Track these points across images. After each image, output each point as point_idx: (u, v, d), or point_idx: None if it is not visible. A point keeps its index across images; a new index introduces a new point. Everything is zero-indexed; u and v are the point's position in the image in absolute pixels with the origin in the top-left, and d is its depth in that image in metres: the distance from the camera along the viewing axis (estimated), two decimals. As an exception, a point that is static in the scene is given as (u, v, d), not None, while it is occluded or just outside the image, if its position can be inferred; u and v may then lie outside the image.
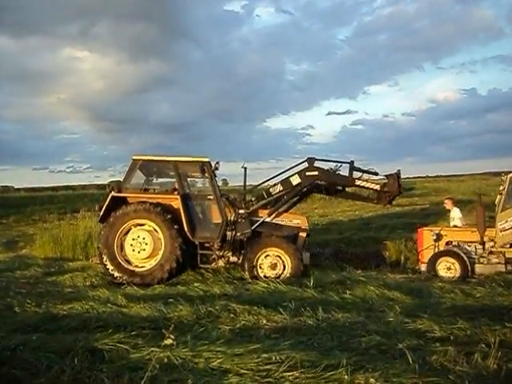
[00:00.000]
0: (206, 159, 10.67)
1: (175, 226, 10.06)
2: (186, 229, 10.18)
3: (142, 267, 10.16)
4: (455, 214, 12.26)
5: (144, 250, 10.10)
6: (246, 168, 10.87)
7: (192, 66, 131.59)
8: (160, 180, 12.26)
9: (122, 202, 10.47)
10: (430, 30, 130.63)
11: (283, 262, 10.16)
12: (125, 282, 9.81)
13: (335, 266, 11.71)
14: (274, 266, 10.15)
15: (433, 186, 37.17)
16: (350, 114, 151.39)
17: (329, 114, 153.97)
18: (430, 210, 21.10)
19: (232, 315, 6.56)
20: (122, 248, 10.20)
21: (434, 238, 10.80)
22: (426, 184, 39.03)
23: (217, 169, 10.79)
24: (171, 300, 7.43)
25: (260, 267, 10.20)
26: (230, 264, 10.75)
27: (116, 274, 10.02)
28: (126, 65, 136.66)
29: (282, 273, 10.12)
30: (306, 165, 10.86)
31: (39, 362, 4.57)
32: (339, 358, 4.52)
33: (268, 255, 10.22)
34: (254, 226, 10.57)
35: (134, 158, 10.77)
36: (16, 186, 57.73)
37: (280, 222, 10.87)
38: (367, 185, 10.98)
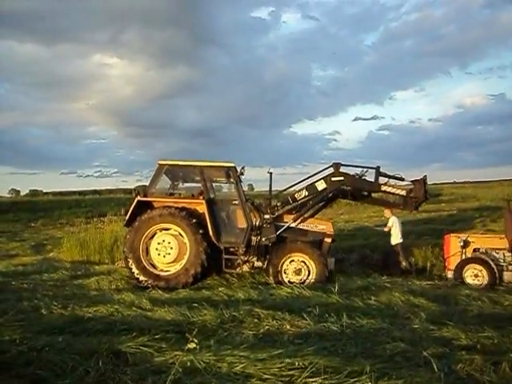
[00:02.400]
0: (232, 164, 10.69)
1: (200, 231, 10.08)
2: (211, 233, 10.20)
3: (167, 271, 10.21)
4: (390, 223, 12.53)
5: (169, 254, 10.14)
6: (271, 173, 10.87)
7: (219, 72, 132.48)
8: (186, 185, 12.30)
9: (148, 206, 10.55)
10: (458, 35, 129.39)
11: (308, 267, 10.12)
12: (150, 285, 9.85)
13: (360, 272, 11.64)
14: (298, 272, 10.11)
15: (460, 192, 36.72)
16: (376, 119, 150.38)
17: (355, 119, 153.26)
18: (457, 217, 20.84)
19: (256, 320, 6.54)
20: (147, 252, 10.27)
21: (461, 244, 10.66)
22: (454, 190, 38.56)
23: (242, 174, 10.81)
24: (195, 304, 7.43)
25: (284, 272, 10.17)
26: (254, 269, 10.75)
27: (141, 277, 10.09)
28: (154, 71, 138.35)
29: (307, 278, 10.07)
30: (331, 170, 10.80)
31: (64, 363, 4.62)
32: (363, 364, 4.47)
33: (293, 260, 10.19)
34: (279, 232, 10.54)
35: (160, 162, 10.83)
36: (45, 190, 58.65)
37: (305, 228, 10.83)
38: (393, 190, 10.86)
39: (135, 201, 10.52)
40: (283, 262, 10.20)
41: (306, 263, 10.15)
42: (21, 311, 7.10)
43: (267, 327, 6.23)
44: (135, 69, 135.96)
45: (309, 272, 10.12)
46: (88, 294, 9.19)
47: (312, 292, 8.53)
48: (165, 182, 11.40)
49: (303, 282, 9.89)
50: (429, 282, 10.17)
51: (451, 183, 56.74)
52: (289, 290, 8.73)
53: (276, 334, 5.97)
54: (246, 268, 10.73)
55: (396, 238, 12.36)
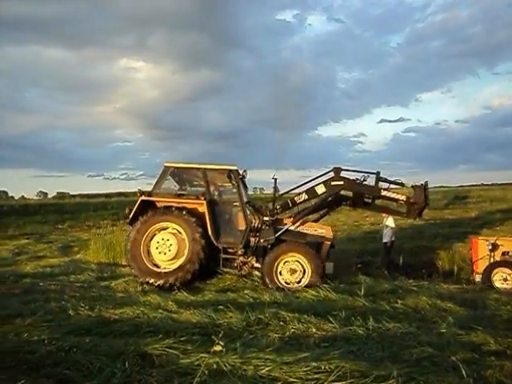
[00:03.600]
0: (234, 167, 10.90)
1: (192, 219, 10.32)
2: (210, 233, 10.40)
3: (171, 266, 10.42)
4: (388, 222, 13.63)
5: (170, 249, 10.39)
6: (276, 179, 11.08)
7: (243, 75, 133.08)
8: (194, 186, 12.44)
9: (152, 206, 10.87)
10: (485, 36, 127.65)
11: (302, 265, 10.13)
12: (154, 284, 10.12)
13: (386, 275, 11.54)
14: (292, 272, 10.13)
15: (488, 194, 36.01)
16: (402, 121, 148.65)
17: (381, 121, 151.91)
18: (485, 219, 20.53)
19: (282, 323, 6.51)
20: (148, 253, 10.57)
21: (490, 247, 10.55)
22: (481, 192, 37.84)
23: (244, 177, 11.11)
24: (221, 307, 7.40)
25: (282, 279, 10.18)
26: (254, 269, 10.85)
27: (148, 279, 10.29)
28: (179, 74, 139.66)
29: (302, 277, 10.08)
30: (332, 174, 10.82)
31: (91, 364, 4.66)
32: (390, 369, 4.42)
33: (281, 271, 10.22)
34: (277, 234, 10.61)
35: (166, 164, 11.13)
36: (72, 193, 59.44)
37: (304, 231, 10.89)
38: (393, 195, 10.76)
39: (139, 200, 10.79)
40: (275, 270, 10.20)
41: (295, 261, 10.17)
42: (49, 312, 7.16)
43: (293, 330, 6.20)
44: (161, 72, 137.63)
45: (304, 271, 10.11)
46: (114, 295, 9.26)
47: (338, 295, 8.48)
48: (174, 184, 11.73)
49: (299, 282, 9.99)
50: (456, 286, 10.05)
51: (479, 185, 55.85)
52: (314, 293, 8.70)
53: (302, 337, 5.93)
54: (245, 268, 10.86)
55: (387, 237, 13.38)
